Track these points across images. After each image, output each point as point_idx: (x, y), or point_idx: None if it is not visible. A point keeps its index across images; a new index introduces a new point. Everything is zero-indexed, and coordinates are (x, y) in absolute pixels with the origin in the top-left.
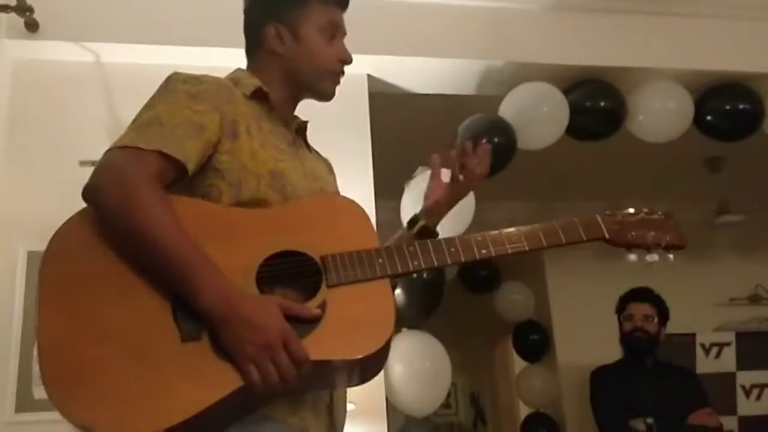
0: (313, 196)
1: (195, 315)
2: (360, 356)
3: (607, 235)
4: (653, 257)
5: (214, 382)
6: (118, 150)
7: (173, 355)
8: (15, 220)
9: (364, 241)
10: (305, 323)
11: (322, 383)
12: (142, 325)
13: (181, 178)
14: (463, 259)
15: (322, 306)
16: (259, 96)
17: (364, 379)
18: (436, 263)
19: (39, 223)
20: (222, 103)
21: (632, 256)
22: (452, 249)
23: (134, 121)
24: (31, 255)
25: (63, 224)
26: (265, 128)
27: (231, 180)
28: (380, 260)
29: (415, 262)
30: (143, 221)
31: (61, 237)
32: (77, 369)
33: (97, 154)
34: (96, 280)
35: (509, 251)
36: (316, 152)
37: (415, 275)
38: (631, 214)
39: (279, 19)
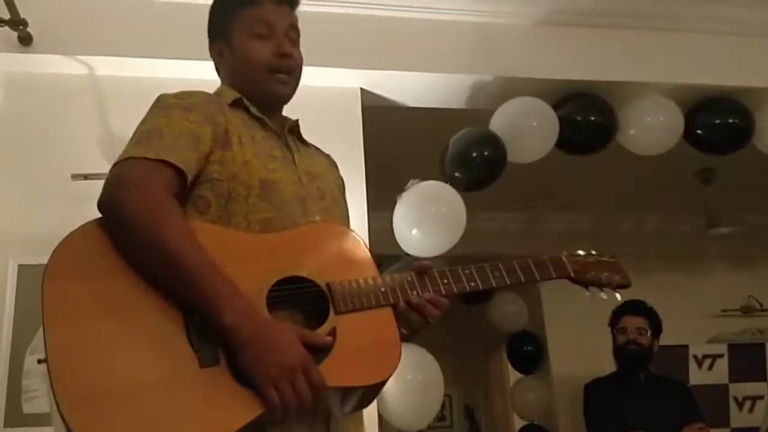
0: (313, 224)
1: (211, 335)
2: (374, 382)
3: (572, 274)
4: (603, 295)
5: (236, 408)
6: (127, 162)
7: (193, 381)
8: (6, 232)
9: (364, 268)
10: (318, 350)
11: (324, 407)
12: (159, 348)
13: (182, 190)
14: (455, 291)
15: (332, 333)
16: (239, 106)
17: (362, 405)
18: (432, 293)
19: (30, 236)
20: (213, 113)
21: (588, 293)
22: (445, 281)
23: (132, 138)
24: (21, 268)
25: (64, 240)
26: (258, 136)
27: (220, 191)
28: (383, 289)
29: (414, 292)
30: (169, 236)
31: (63, 253)
32: (96, 393)
33: (89, 168)
34: (106, 298)
35: (494, 285)
36: (316, 148)
37: None
38: (586, 255)
39: (218, 36)
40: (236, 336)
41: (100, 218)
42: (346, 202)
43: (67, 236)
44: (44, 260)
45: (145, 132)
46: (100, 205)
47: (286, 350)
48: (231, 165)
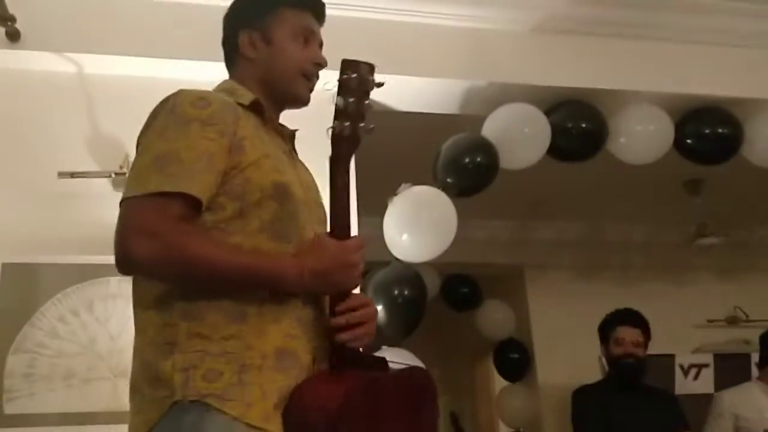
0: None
1: None
2: None
3: None
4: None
5: None
6: (136, 203)
7: None
8: None
9: None
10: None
11: None
12: None
13: (198, 211)
14: None
15: None
16: (255, 107)
17: None
18: None
19: (15, 234)
20: (230, 123)
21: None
22: None
23: (147, 152)
24: (5, 267)
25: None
26: (266, 139)
27: (235, 194)
28: None
29: None
30: (191, 256)
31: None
32: None
33: (77, 166)
34: None
35: None
36: (301, 162)
37: (396, 292)
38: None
39: (251, 26)
40: (305, 280)
41: None
42: None
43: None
44: (29, 259)
45: (161, 157)
46: (119, 267)
47: (334, 257)
48: (245, 168)
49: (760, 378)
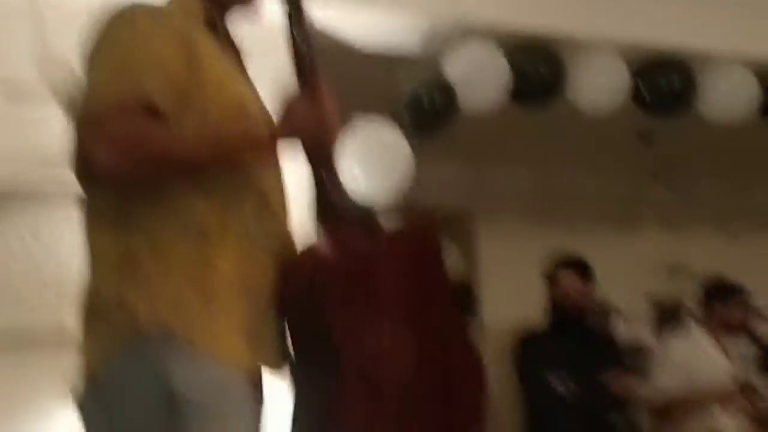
0: None
1: None
2: None
3: None
4: None
5: None
6: (95, 113)
7: None
8: None
9: None
10: None
11: None
12: None
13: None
14: None
15: None
16: (208, 19)
17: None
18: None
19: None
20: (182, 32)
21: None
22: None
23: (101, 65)
24: None
25: None
26: (221, 54)
27: (196, 109)
28: None
29: None
30: (155, 138)
31: None
32: None
33: (27, 89)
34: None
35: None
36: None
37: None
38: None
39: None
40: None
41: None
42: None
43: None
44: None
45: (117, 69)
46: (82, 174)
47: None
48: (205, 85)
49: (703, 326)
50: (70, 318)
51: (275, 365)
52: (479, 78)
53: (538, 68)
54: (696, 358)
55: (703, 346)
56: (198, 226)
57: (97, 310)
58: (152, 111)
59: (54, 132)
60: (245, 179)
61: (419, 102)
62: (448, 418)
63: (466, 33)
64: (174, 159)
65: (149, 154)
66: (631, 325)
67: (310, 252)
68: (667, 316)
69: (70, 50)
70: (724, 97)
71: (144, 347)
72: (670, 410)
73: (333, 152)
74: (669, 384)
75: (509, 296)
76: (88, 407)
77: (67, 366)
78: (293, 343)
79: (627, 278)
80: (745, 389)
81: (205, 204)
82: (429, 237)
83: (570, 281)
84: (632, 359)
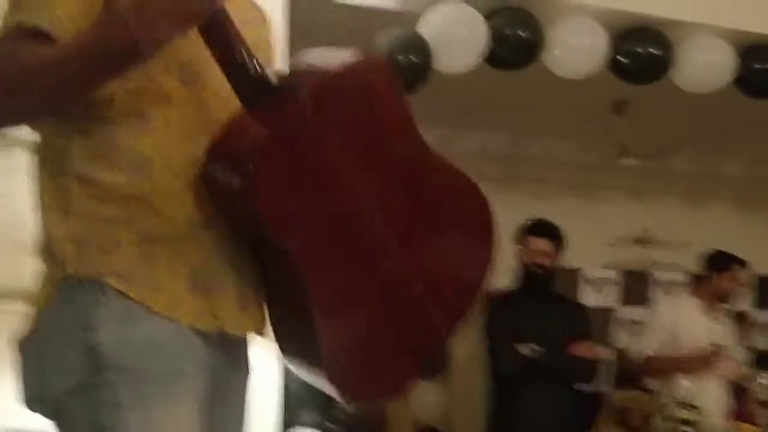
0: None
1: None
2: None
3: None
4: None
5: None
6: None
7: None
8: None
9: None
10: None
11: None
12: None
13: None
14: None
15: None
16: None
17: None
18: None
19: None
20: None
21: None
22: None
23: None
24: None
25: None
26: None
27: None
28: None
29: None
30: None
31: None
32: None
33: None
34: None
35: None
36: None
37: None
38: None
39: None
40: (136, 27)
41: None
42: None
43: None
44: None
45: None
46: None
47: None
48: None
49: (694, 294)
50: (25, 269)
51: (240, 325)
52: (456, 38)
53: (516, 31)
54: (681, 322)
55: (689, 312)
56: (136, 162)
57: (41, 255)
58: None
59: None
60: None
61: (394, 60)
62: (455, 244)
63: None
64: (45, 81)
65: (12, 82)
66: (598, 291)
67: (232, 134)
68: (634, 283)
69: None
70: (701, 66)
71: (73, 295)
72: (651, 370)
73: (222, 20)
74: (653, 345)
75: None
76: (23, 358)
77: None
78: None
79: (595, 245)
80: (720, 353)
81: (125, 129)
82: (373, 69)
83: (540, 246)
84: (598, 325)
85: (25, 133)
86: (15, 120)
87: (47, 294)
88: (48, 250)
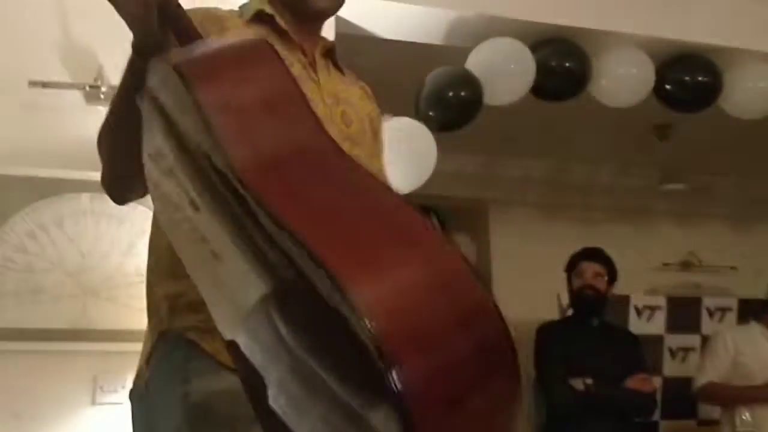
0: None
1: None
2: None
3: None
4: None
5: None
6: None
7: None
8: None
9: None
10: None
11: None
12: None
13: None
14: None
15: None
16: (262, 20)
17: None
18: None
19: None
20: (211, 32)
21: None
22: None
23: None
24: None
25: None
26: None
27: None
28: None
29: None
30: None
31: None
32: None
33: (48, 75)
34: None
35: None
36: (355, 78)
37: None
38: None
39: None
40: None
41: None
42: (380, 141)
43: None
44: None
45: None
46: None
47: None
48: None
49: (759, 321)
50: (93, 309)
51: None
52: (505, 72)
53: (563, 63)
54: (745, 349)
55: (755, 340)
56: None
57: (148, 308)
58: None
59: (77, 123)
60: None
61: (445, 96)
62: None
63: (491, 26)
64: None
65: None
66: (647, 319)
67: None
68: (679, 310)
69: (92, 39)
70: (750, 92)
71: (170, 350)
72: (712, 398)
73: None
74: (716, 372)
75: (521, 287)
76: (132, 406)
77: (89, 359)
78: None
79: (641, 271)
80: None
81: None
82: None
83: (593, 269)
84: (647, 353)
85: (92, 177)
86: (114, 189)
87: (147, 347)
88: (149, 307)
